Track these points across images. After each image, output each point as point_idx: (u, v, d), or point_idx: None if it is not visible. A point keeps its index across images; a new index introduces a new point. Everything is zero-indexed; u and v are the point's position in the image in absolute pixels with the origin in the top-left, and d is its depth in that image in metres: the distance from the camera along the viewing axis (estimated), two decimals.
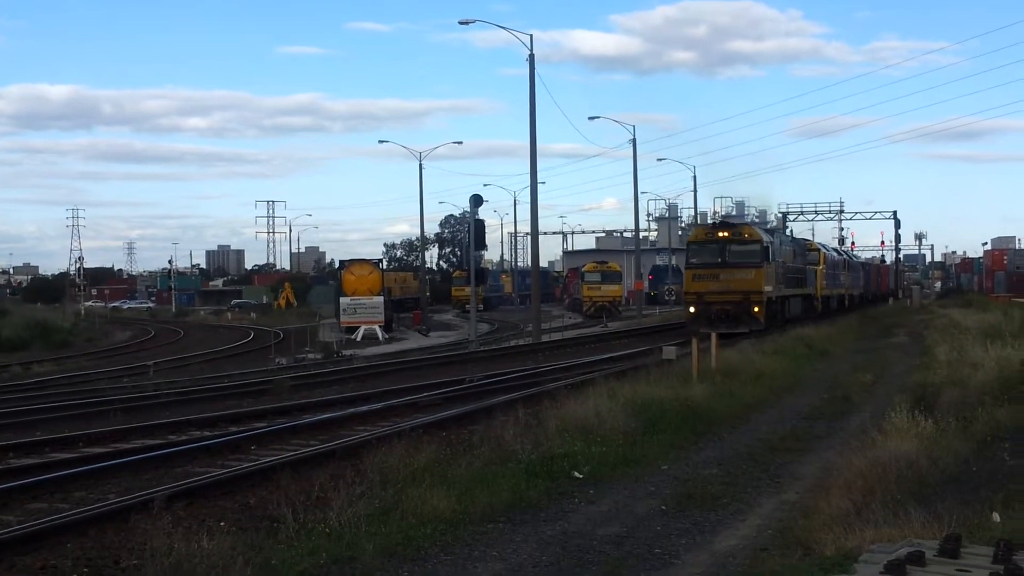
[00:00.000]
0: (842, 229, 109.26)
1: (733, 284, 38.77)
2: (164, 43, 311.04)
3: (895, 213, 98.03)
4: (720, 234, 40.40)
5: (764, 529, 10.15)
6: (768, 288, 39.61)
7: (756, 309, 38.40)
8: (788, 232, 78.82)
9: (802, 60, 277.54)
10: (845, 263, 68.51)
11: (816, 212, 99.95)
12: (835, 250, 71.45)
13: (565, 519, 10.67)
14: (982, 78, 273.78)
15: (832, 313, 57.04)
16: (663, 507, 11.21)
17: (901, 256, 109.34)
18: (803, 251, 52.59)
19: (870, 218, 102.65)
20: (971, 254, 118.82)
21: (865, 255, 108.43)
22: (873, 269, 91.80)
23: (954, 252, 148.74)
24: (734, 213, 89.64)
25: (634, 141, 58.47)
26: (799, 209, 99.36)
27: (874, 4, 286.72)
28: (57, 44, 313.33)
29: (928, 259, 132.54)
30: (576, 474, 12.62)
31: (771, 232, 46.00)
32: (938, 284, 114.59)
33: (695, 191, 70.84)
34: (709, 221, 50.45)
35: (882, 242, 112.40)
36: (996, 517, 8.89)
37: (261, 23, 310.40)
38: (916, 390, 18.58)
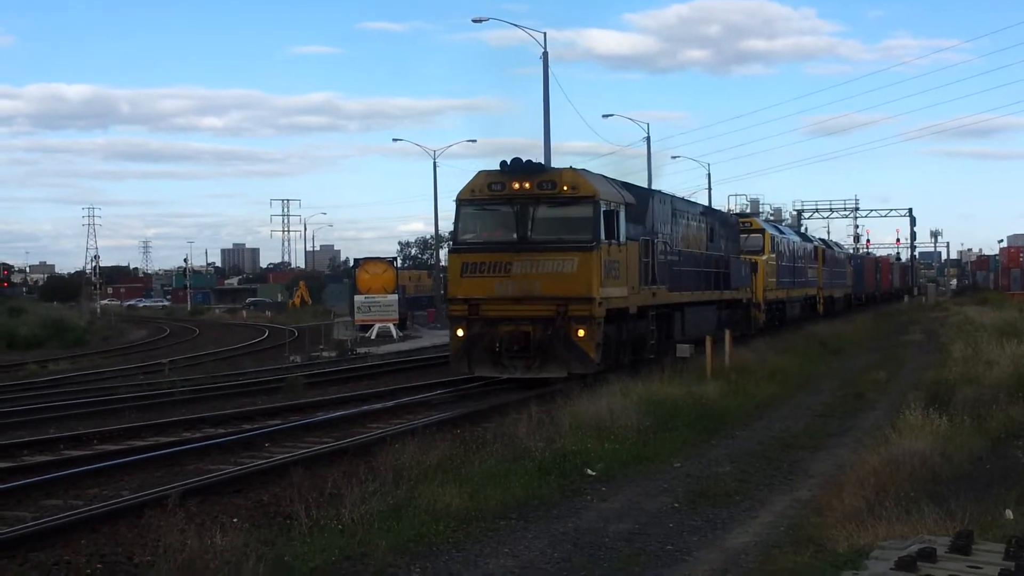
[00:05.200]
0: (857, 227, 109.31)
1: (538, 284, 21.08)
2: (180, 43, 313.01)
3: (910, 211, 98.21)
4: (516, 185, 21.35)
5: (776, 526, 10.14)
6: (614, 292, 21.86)
7: (581, 333, 20.64)
8: (798, 226, 77.16)
9: (816, 58, 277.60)
10: (817, 253, 52.47)
11: (831, 210, 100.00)
12: (800, 234, 56.07)
13: (577, 516, 10.67)
14: (995, 75, 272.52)
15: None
16: (675, 504, 11.20)
17: (917, 254, 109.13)
18: (729, 232, 34.86)
19: (885, 216, 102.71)
20: (987, 251, 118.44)
21: (881, 252, 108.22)
22: (869, 264, 78.06)
23: (970, 250, 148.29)
24: (749, 211, 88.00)
25: (648, 139, 58.27)
26: (814, 207, 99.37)
27: (887, 2, 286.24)
28: (75, 44, 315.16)
29: (944, 257, 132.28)
30: (589, 471, 12.62)
31: (631, 188, 24.99)
32: (953, 282, 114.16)
33: (709, 188, 70.59)
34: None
35: (897, 240, 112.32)
36: (1009, 514, 8.88)
37: (276, 23, 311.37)
38: (930, 388, 18.53)
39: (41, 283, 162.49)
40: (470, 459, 12.78)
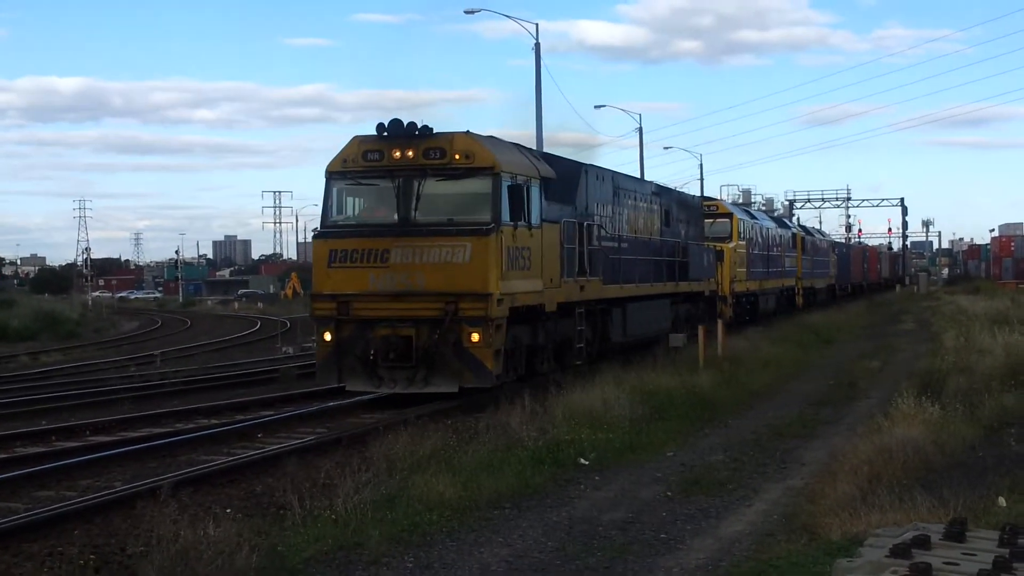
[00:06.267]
0: (849, 216, 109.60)
1: (422, 276, 17.28)
2: (173, 35, 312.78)
3: (902, 200, 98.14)
4: (397, 154, 17.65)
5: (770, 515, 10.15)
6: (522, 285, 17.98)
7: (475, 337, 16.89)
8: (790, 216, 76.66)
9: (808, 49, 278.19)
10: (795, 240, 48.83)
11: (823, 199, 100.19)
12: (776, 219, 51.54)
13: (571, 505, 10.67)
14: (987, 65, 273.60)
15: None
16: (669, 493, 11.20)
17: (908, 243, 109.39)
18: (690, 215, 30.95)
19: (877, 205, 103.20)
20: (978, 241, 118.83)
21: (873, 242, 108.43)
22: (856, 253, 75.48)
23: (961, 239, 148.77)
24: (741, 201, 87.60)
25: (640, 129, 58.22)
26: (806, 196, 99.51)
27: None
28: (67, 37, 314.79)
29: (935, 246, 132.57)
30: (582, 461, 12.63)
31: (554, 159, 21.60)
32: (945, 271, 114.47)
33: (701, 179, 70.62)
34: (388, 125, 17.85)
35: (889, 229, 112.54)
36: (1002, 502, 8.91)
37: (269, 15, 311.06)
38: (923, 376, 18.59)
39: (32, 275, 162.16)
40: (463, 449, 12.80)
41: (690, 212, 31.15)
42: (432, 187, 17.66)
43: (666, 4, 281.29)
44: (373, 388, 17.70)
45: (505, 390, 17.37)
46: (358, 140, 18.17)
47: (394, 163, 17.59)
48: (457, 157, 17.46)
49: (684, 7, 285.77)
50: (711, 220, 35.11)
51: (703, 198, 36.93)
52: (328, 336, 17.67)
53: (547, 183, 19.28)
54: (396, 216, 17.74)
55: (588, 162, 23.14)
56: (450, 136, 17.74)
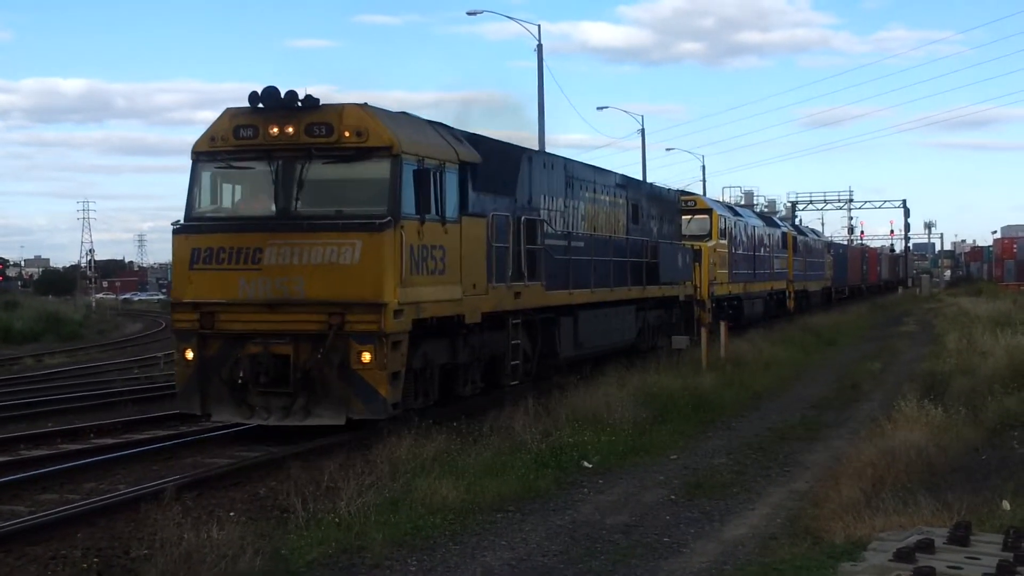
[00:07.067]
0: (851, 218, 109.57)
1: (302, 281, 14.12)
2: (177, 37, 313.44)
3: (904, 202, 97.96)
4: (274, 130, 14.44)
5: (773, 518, 10.16)
6: (432, 292, 14.83)
7: (366, 357, 13.71)
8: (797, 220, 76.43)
9: (810, 51, 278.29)
10: (786, 240, 45.14)
11: (825, 201, 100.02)
12: (763, 216, 47.58)
13: (574, 508, 10.68)
14: (989, 66, 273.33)
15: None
16: (672, 496, 11.22)
17: (911, 245, 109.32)
18: (664, 211, 27.63)
19: (880, 207, 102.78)
20: (981, 243, 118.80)
21: (875, 244, 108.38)
22: (854, 254, 72.61)
23: (964, 241, 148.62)
24: (743, 203, 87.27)
25: (643, 131, 58.20)
26: (808, 198, 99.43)
27: None
28: (71, 38, 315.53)
29: (938, 248, 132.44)
30: (585, 463, 12.64)
31: (484, 141, 17.50)
32: (947, 273, 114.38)
33: (704, 180, 70.62)
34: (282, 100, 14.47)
35: (891, 231, 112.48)
36: (1006, 505, 8.90)
37: (273, 16, 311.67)
38: (926, 379, 18.60)
39: (36, 277, 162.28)
40: (466, 452, 12.79)
41: (664, 207, 27.72)
42: (318, 171, 14.54)
43: (668, 5, 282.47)
44: (243, 418, 14.67)
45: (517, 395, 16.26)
46: (230, 113, 14.99)
47: (271, 141, 14.48)
48: (347, 135, 14.30)
49: (686, 8, 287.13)
50: (688, 217, 31.76)
51: (680, 192, 33.28)
52: (189, 354, 14.58)
53: (473, 169, 16.17)
54: (273, 207, 14.65)
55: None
56: (339, 109, 14.53)
